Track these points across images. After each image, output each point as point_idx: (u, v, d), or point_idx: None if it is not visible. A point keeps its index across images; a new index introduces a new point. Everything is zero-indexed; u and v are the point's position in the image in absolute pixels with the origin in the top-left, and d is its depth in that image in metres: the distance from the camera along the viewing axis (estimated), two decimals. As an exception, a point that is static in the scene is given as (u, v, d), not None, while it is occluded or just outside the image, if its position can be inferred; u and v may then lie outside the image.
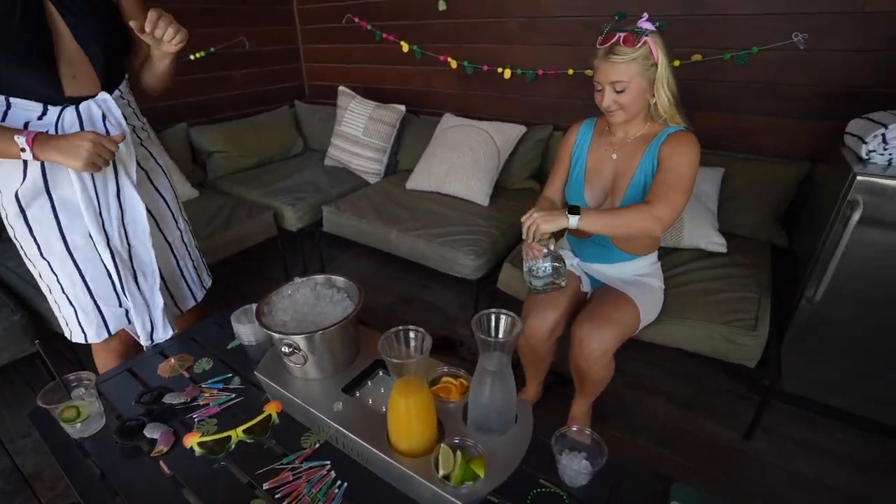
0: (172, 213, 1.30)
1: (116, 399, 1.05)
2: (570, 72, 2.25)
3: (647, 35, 1.13)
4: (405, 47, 2.71)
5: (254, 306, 1.15)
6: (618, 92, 1.17)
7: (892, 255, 1.31)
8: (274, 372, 1.01)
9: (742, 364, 1.43)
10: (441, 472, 0.76)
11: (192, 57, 2.65)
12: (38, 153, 0.96)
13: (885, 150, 1.33)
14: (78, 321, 1.22)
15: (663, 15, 1.94)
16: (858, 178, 1.29)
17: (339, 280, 1.10)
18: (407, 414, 0.79)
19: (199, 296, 1.42)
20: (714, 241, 1.74)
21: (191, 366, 1.15)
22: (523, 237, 1.19)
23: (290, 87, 3.30)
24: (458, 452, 0.77)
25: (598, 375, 1.30)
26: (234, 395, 1.04)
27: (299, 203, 2.36)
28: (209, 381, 1.09)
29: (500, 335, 0.81)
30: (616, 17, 1.21)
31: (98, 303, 1.20)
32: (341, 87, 2.80)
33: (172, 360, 1.15)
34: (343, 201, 2.34)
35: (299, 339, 0.91)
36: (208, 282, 1.47)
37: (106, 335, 1.24)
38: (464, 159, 2.28)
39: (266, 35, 3.04)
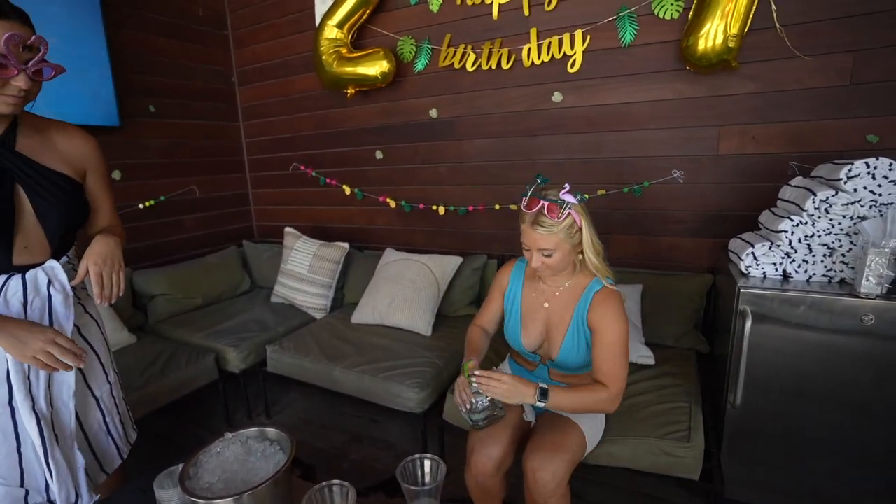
0: (103, 366, 1.28)
1: None
2: (497, 207, 2.54)
3: (570, 208, 1.21)
4: (347, 190, 2.98)
5: (179, 468, 1.12)
6: (545, 256, 1.26)
7: (791, 346, 1.48)
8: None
9: (688, 478, 1.47)
10: None
11: (140, 206, 2.77)
12: None
13: (758, 265, 1.57)
14: None
15: (570, 159, 2.32)
16: (742, 290, 1.50)
17: (272, 432, 1.10)
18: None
19: (125, 452, 1.34)
20: (643, 355, 1.87)
21: (105, 545, 1.06)
22: (458, 383, 1.26)
23: (239, 228, 3.46)
24: None
25: (556, 507, 1.28)
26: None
27: (243, 343, 2.35)
28: (124, 563, 1.00)
29: (427, 480, 0.84)
30: (538, 181, 1.27)
31: None
32: (287, 228, 2.97)
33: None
34: (287, 339, 2.35)
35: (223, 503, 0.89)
36: (133, 436, 1.40)
37: None
38: (405, 291, 2.39)
39: (217, 182, 3.26)
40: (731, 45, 1.77)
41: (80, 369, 1.22)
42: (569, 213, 1.21)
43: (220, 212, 3.31)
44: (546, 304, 1.40)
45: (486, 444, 1.34)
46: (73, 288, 1.21)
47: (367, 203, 2.98)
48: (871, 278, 1.39)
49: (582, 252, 1.29)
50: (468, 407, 1.24)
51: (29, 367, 1.10)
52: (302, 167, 3.14)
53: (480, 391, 1.21)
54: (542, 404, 1.19)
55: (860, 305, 1.39)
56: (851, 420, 1.46)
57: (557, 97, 2.27)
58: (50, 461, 1.12)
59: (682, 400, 1.64)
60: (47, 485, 1.17)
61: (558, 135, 2.33)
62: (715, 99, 1.99)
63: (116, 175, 2.65)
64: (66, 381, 1.16)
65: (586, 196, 1.29)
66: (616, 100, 2.16)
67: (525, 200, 1.26)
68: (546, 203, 1.21)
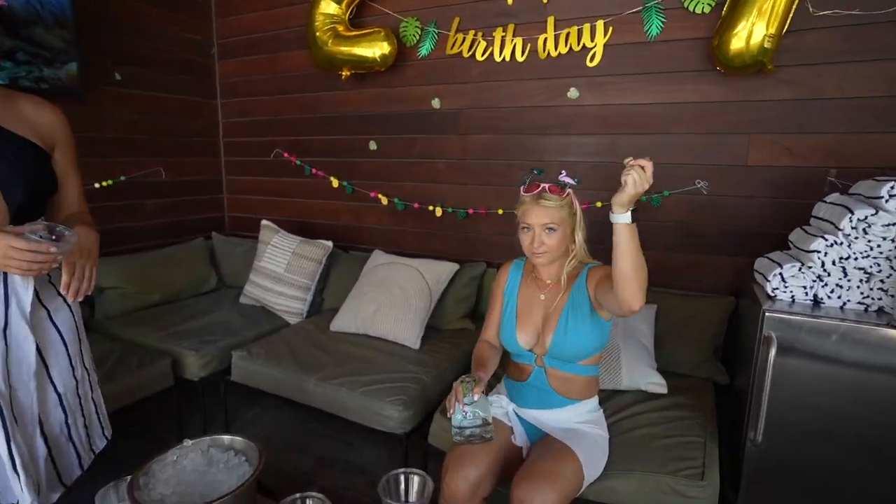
0: (70, 359, 1.27)
1: None
2: (500, 211, 2.56)
3: (569, 189, 1.43)
4: (335, 183, 2.98)
5: (127, 479, 1.10)
6: (548, 232, 1.41)
7: (819, 381, 1.48)
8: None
9: (699, 521, 1.47)
10: None
11: (96, 185, 2.75)
12: None
13: (786, 287, 1.59)
14: None
15: (581, 162, 2.35)
16: (767, 314, 1.51)
17: (237, 441, 1.09)
18: None
19: (87, 461, 1.33)
20: (654, 382, 1.87)
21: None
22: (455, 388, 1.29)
23: (208, 218, 3.45)
24: None
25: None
26: None
27: (205, 347, 2.32)
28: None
29: (413, 498, 0.83)
30: (535, 171, 1.48)
31: None
32: (264, 221, 2.96)
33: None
34: (257, 345, 2.33)
35: (178, 517, 0.87)
36: (99, 445, 1.38)
37: None
38: (393, 299, 2.39)
39: (187, 165, 3.24)
40: (767, 45, 1.80)
41: (43, 360, 1.21)
42: (569, 192, 1.43)
43: (188, 198, 3.29)
44: (542, 296, 1.54)
45: (462, 464, 1.35)
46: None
47: (356, 198, 2.98)
48: (911, 309, 1.41)
49: (574, 241, 1.47)
50: (459, 418, 1.27)
51: None
52: (285, 154, 3.14)
53: (471, 404, 1.26)
54: (625, 221, 1.16)
55: (898, 338, 1.40)
56: (884, 470, 1.46)
57: (573, 93, 2.30)
58: (12, 445, 1.11)
59: (696, 434, 1.64)
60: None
61: (571, 135, 2.36)
62: (746, 104, 2.02)
63: (72, 150, 2.63)
64: (26, 359, 1.16)
65: (580, 180, 1.47)
66: (637, 100, 2.20)
67: (525, 185, 1.45)
68: (547, 185, 1.41)
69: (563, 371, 1.49)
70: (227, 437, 1.09)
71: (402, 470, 0.82)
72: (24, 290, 1.15)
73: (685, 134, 2.14)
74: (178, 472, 1.00)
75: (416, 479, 0.82)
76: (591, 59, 2.22)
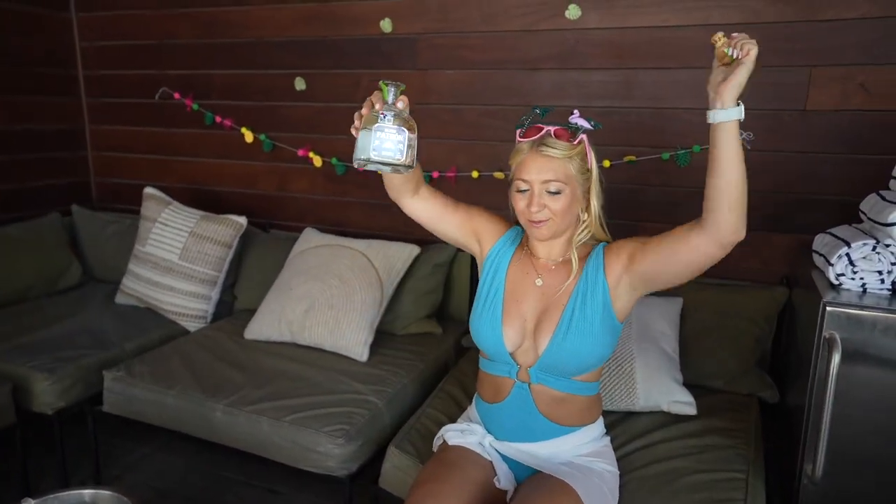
0: None
1: None
2: (475, 174, 2.54)
3: (582, 133, 1.36)
4: (248, 136, 2.92)
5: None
6: (551, 194, 1.34)
7: (891, 400, 1.52)
8: None
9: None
10: None
11: None
12: None
13: (854, 273, 1.61)
14: None
15: (584, 106, 2.32)
16: (829, 309, 1.53)
17: (104, 496, 1.04)
18: None
19: None
20: (679, 401, 1.89)
21: None
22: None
23: (65, 185, 3.36)
24: None
25: None
26: None
27: (63, 367, 2.25)
28: None
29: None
30: (538, 111, 1.41)
31: None
32: (148, 189, 2.89)
33: None
34: (140, 361, 2.29)
35: None
36: None
37: None
38: (330, 293, 2.37)
39: (29, 107, 3.13)
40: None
41: None
42: (581, 139, 1.36)
43: (32, 156, 3.19)
44: (539, 281, 1.49)
45: (428, 502, 1.36)
46: None
47: (277, 157, 2.95)
48: None
49: (586, 210, 1.42)
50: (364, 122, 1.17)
51: None
52: (177, 95, 3.06)
53: (394, 114, 1.15)
54: (739, 116, 1.12)
55: None
56: None
57: (574, 12, 2.30)
58: None
59: (735, 468, 1.66)
60: None
61: (571, 69, 2.37)
62: (808, 26, 2.04)
63: None
64: None
65: (600, 124, 1.39)
66: (659, 21, 2.21)
67: (521, 131, 1.39)
68: (552, 128, 1.34)
69: (555, 389, 1.46)
70: (88, 492, 1.04)
71: None
72: None
73: (724, 69, 2.16)
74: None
75: None
76: (598, -35, 2.21)
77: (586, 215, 1.43)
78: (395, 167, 1.17)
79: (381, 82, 1.20)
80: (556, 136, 1.34)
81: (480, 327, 1.51)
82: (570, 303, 1.43)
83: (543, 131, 1.35)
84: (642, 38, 2.24)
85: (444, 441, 1.58)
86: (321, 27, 2.72)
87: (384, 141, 1.13)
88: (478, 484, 1.43)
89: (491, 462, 1.50)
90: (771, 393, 2.07)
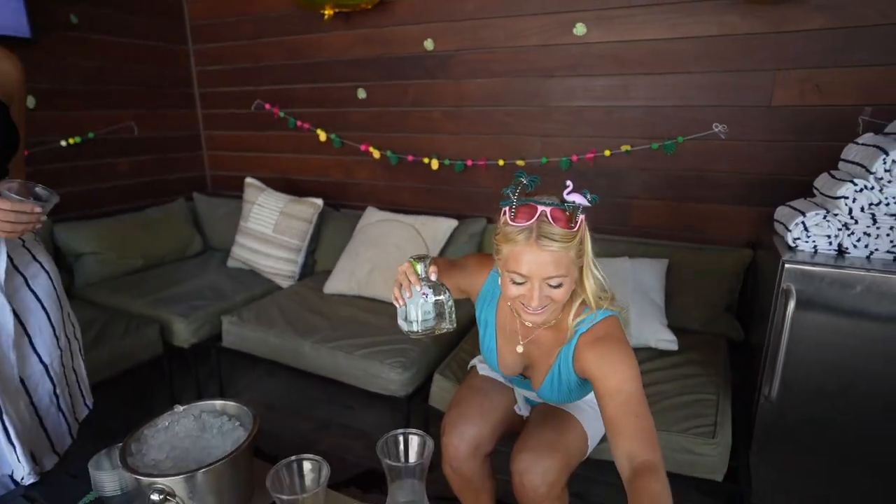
0: (54, 329, 1.29)
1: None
2: (501, 162, 2.53)
3: (582, 213, 1.02)
4: (322, 136, 2.93)
5: (119, 446, 1.13)
6: (553, 287, 1.05)
7: (839, 337, 1.51)
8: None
9: (709, 479, 1.51)
10: None
11: (63, 143, 2.70)
12: None
13: (808, 237, 1.59)
14: None
15: (590, 107, 2.30)
16: (787, 265, 1.52)
17: (230, 405, 1.11)
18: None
19: (75, 430, 1.38)
20: (664, 339, 1.90)
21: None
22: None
23: (188, 178, 3.41)
24: None
25: (549, 513, 1.29)
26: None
27: (194, 313, 2.34)
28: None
29: (412, 458, 0.86)
30: (522, 178, 1.04)
31: None
32: (248, 179, 2.93)
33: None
34: (248, 309, 2.36)
35: (174, 482, 0.90)
36: (83, 413, 1.42)
37: None
38: (389, 258, 2.40)
39: (160, 119, 3.18)
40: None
41: (25, 329, 1.22)
42: (580, 221, 1.02)
43: (164, 156, 3.24)
44: (520, 349, 1.26)
45: (457, 424, 1.35)
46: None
47: (345, 152, 2.94)
48: (941, 256, 1.42)
49: (582, 284, 1.10)
50: (409, 310, 1.08)
51: None
52: (267, 105, 3.08)
53: (429, 284, 1.07)
54: None
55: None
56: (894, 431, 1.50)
57: (580, 30, 2.24)
58: (4, 417, 1.15)
59: (708, 391, 1.68)
60: None
61: (578, 76, 2.31)
62: (774, 36, 1.96)
63: (30, 103, 2.54)
64: (5, 328, 1.17)
65: (597, 197, 1.02)
66: (652, 34, 2.14)
67: (510, 210, 1.03)
68: (548, 209, 1.00)
69: (558, 404, 1.38)
70: (218, 402, 1.11)
71: (400, 431, 0.84)
72: None
73: (704, 72, 2.09)
74: (170, 437, 1.02)
75: (415, 440, 0.83)
76: (600, -10, 2.15)
77: (581, 290, 1.11)
78: (439, 330, 1.07)
79: (410, 259, 1.08)
80: (554, 219, 1.00)
81: (485, 356, 1.38)
82: (551, 371, 1.23)
83: (538, 215, 1.00)
84: (637, 49, 2.18)
85: (475, 368, 1.56)
86: (377, 48, 2.69)
87: (426, 313, 1.05)
88: (500, 408, 1.42)
89: (512, 389, 1.48)
90: (737, 333, 2.07)
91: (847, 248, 1.57)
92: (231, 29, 3.11)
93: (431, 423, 1.95)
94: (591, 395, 1.41)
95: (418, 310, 1.05)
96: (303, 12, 2.76)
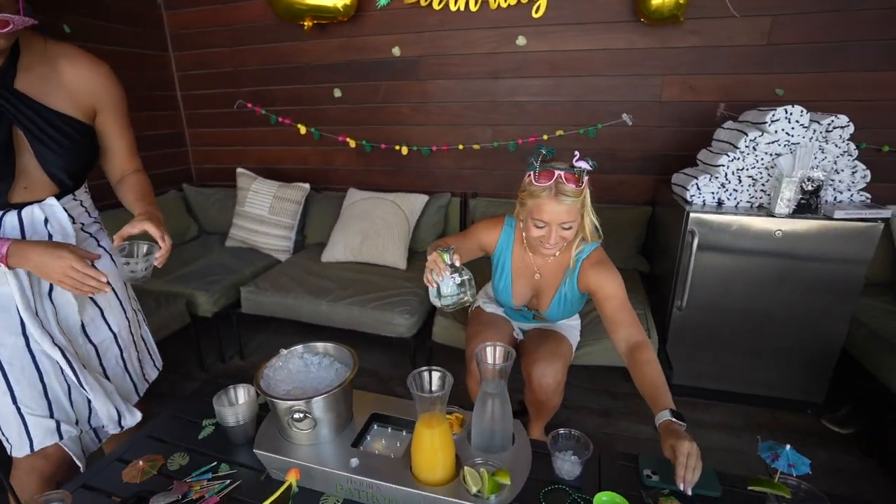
0: (121, 302, 1.25)
1: (90, 518, 0.95)
2: (461, 147, 2.63)
3: (587, 175, 1.16)
4: (303, 129, 2.85)
5: (238, 387, 1.17)
6: (565, 229, 1.20)
7: (724, 270, 1.82)
8: (274, 445, 1.02)
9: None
10: (473, 490, 0.88)
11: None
12: (11, 263, 0.92)
13: (700, 194, 1.87)
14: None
15: (530, 101, 2.45)
16: (691, 214, 1.78)
17: (319, 346, 1.16)
18: (432, 445, 0.90)
19: (142, 390, 1.34)
20: (600, 274, 2.14)
21: (163, 465, 1.09)
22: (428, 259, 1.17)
23: (175, 172, 3.18)
24: (482, 470, 0.91)
25: (554, 403, 1.48)
26: (228, 482, 1.02)
27: (213, 286, 2.27)
28: (194, 475, 1.05)
29: (499, 361, 0.99)
30: (543, 151, 1.19)
31: (21, 410, 1.08)
32: (240, 169, 2.81)
33: (141, 463, 1.08)
34: (261, 280, 2.32)
35: (314, 403, 0.97)
36: (152, 375, 1.39)
37: (28, 450, 1.10)
38: (377, 228, 2.44)
39: (146, 120, 2.93)
40: (681, 0, 1.97)
41: (98, 304, 1.18)
42: (586, 181, 1.17)
43: (151, 153, 3.00)
44: (537, 276, 1.39)
45: (481, 332, 1.47)
46: (83, 227, 1.19)
47: (324, 143, 2.89)
48: (782, 202, 1.74)
49: (582, 223, 1.24)
50: (441, 290, 1.16)
51: (35, 300, 1.07)
52: (249, 105, 2.93)
53: (454, 269, 1.14)
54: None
55: (773, 223, 1.73)
56: (766, 328, 1.85)
57: (521, 41, 2.35)
58: (85, 386, 1.12)
59: (638, 308, 1.92)
60: (77, 420, 1.16)
61: (521, 78, 2.43)
62: (662, 50, 2.21)
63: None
64: (72, 317, 1.14)
65: (596, 163, 1.18)
66: (576, 46, 2.30)
67: (534, 174, 1.16)
68: (563, 173, 1.14)
69: (554, 322, 1.54)
70: (320, 345, 1.16)
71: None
72: None
73: (614, 75, 2.30)
74: (288, 373, 1.07)
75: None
76: (537, 11, 2.27)
77: (582, 229, 1.26)
78: (464, 304, 1.15)
79: (438, 251, 1.14)
80: (567, 180, 1.14)
81: (499, 294, 1.48)
82: (558, 292, 1.38)
83: (555, 177, 1.14)
84: (566, 57, 2.33)
85: (480, 307, 1.65)
86: (351, 53, 2.65)
87: (453, 291, 1.13)
88: (506, 334, 1.54)
89: (510, 321, 1.62)
90: (645, 267, 2.34)
91: (723, 201, 1.87)
92: (210, 37, 2.89)
93: (434, 357, 2.08)
94: (571, 318, 1.62)
95: (448, 289, 1.14)
96: (283, 23, 2.64)
